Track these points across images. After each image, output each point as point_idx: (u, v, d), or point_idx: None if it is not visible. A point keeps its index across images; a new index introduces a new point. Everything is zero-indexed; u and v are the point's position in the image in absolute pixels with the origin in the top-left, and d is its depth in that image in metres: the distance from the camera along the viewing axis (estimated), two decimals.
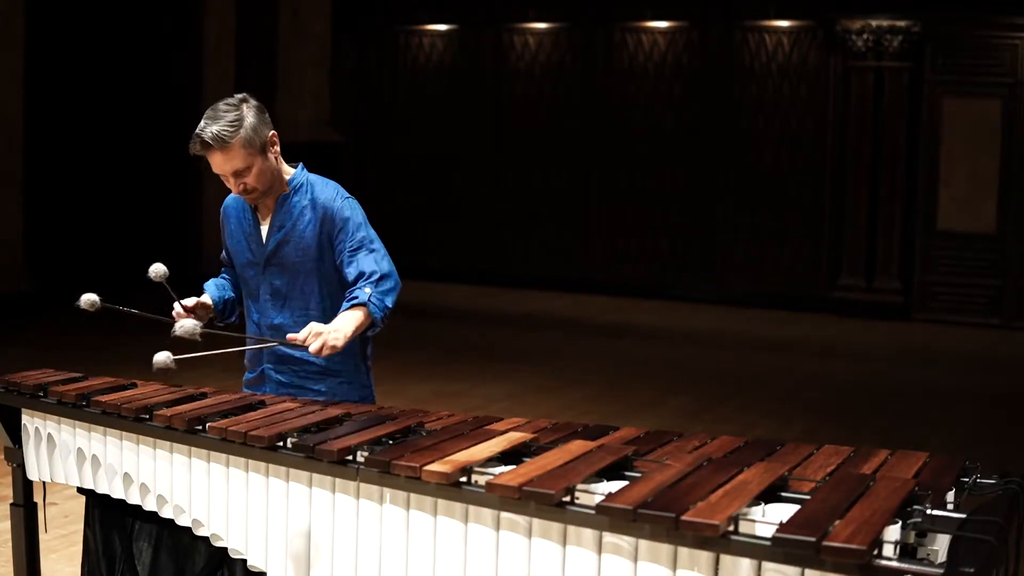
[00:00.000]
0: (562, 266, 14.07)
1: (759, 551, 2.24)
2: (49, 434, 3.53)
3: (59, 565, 4.84)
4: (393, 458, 2.71)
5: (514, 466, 2.69)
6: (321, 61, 14.10)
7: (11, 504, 3.71)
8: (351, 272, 3.52)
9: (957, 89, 12.46)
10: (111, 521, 3.60)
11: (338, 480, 2.84)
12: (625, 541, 2.39)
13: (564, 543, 2.48)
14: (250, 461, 3.03)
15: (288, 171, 3.64)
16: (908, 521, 2.33)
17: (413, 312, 12.65)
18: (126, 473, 3.34)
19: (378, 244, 3.58)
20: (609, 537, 2.41)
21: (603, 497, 2.42)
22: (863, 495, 2.38)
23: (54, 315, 11.31)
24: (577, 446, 2.83)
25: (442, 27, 14.82)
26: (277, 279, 3.62)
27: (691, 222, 13.52)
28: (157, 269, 3.59)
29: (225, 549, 3.17)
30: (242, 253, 3.70)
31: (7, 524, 3.80)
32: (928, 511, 2.35)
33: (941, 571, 2.11)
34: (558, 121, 14.09)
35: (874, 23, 12.54)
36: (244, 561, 3.12)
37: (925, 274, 12.67)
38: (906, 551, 2.27)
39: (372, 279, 3.49)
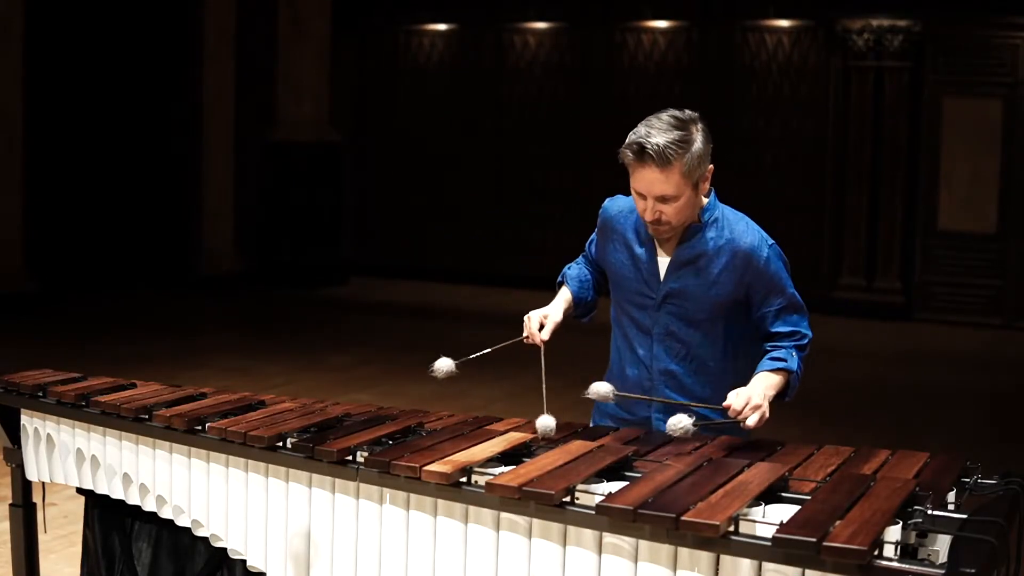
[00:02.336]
0: (563, 266, 14.02)
1: (759, 551, 2.23)
2: (48, 434, 3.53)
3: (59, 565, 4.83)
4: (393, 458, 2.71)
5: (514, 466, 2.68)
6: (321, 61, 14.09)
7: (10, 505, 3.71)
8: (781, 328, 3.14)
9: (957, 89, 12.46)
10: (110, 521, 3.60)
11: (338, 480, 2.84)
12: (625, 541, 2.38)
13: (564, 543, 2.48)
14: (250, 461, 3.02)
15: (702, 200, 3.15)
16: (909, 521, 2.32)
17: (413, 312, 12.66)
18: (125, 473, 3.34)
19: (801, 300, 3.19)
20: (609, 537, 2.41)
21: (603, 497, 2.41)
22: (863, 495, 2.37)
23: (54, 315, 11.32)
24: (577, 446, 2.82)
25: (442, 27, 14.82)
26: (675, 322, 3.17)
27: None
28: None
29: (225, 549, 3.17)
30: (631, 281, 3.23)
31: (6, 524, 3.79)
32: (929, 511, 2.35)
33: (942, 572, 2.11)
34: (558, 121, 14.09)
35: (874, 23, 12.53)
36: (244, 561, 3.12)
37: (925, 274, 12.66)
38: (907, 551, 2.26)
39: (800, 340, 3.14)
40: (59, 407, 3.46)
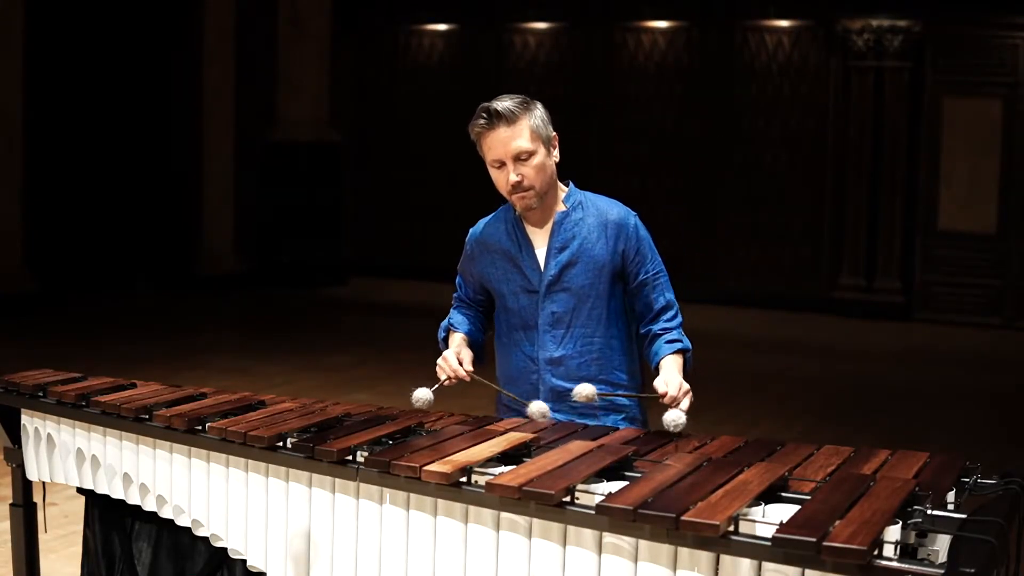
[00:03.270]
0: None
1: (759, 551, 2.23)
2: (49, 434, 3.53)
3: (59, 565, 4.83)
4: (393, 458, 2.70)
5: (514, 466, 2.68)
6: (321, 61, 14.10)
7: (11, 504, 3.71)
8: (658, 301, 3.34)
9: (957, 89, 12.47)
10: (111, 521, 3.60)
11: (338, 480, 2.84)
12: (625, 541, 2.38)
13: (564, 543, 2.47)
14: (250, 461, 3.02)
15: (562, 188, 3.40)
16: (908, 521, 2.32)
17: (413, 312, 12.65)
18: (126, 473, 3.34)
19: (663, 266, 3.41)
20: (609, 537, 2.40)
21: (603, 497, 2.41)
22: (863, 495, 2.37)
23: (54, 315, 11.32)
24: (577, 446, 2.82)
25: (442, 27, 14.82)
26: (559, 306, 3.32)
27: (691, 222, 13.52)
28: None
29: (225, 549, 3.17)
30: (515, 281, 3.38)
31: (7, 524, 3.79)
32: (928, 511, 2.35)
33: (942, 571, 2.11)
34: (558, 121, 14.05)
35: (875, 23, 12.54)
36: (244, 561, 3.12)
37: (925, 274, 12.67)
38: (906, 551, 2.26)
39: (674, 317, 3.35)
40: (59, 407, 3.46)
